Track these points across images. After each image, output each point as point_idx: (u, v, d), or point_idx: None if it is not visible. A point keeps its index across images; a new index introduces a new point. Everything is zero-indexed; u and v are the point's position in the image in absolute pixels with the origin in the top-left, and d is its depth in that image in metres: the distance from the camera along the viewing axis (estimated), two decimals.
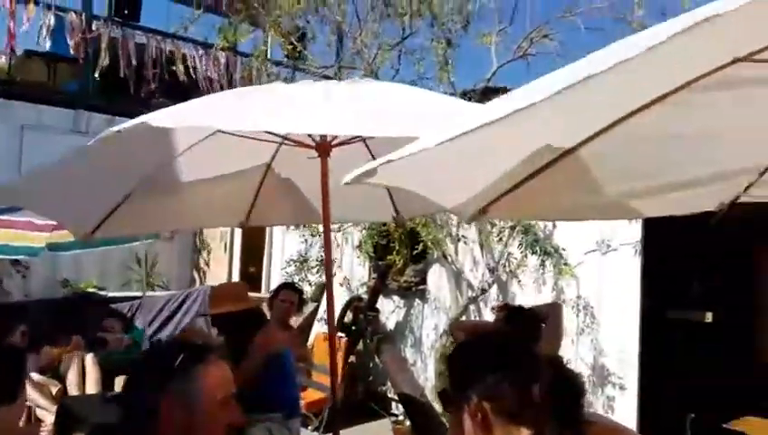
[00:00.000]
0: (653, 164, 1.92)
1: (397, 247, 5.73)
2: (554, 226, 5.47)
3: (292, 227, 7.21)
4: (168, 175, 2.99)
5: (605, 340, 5.14)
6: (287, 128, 2.25)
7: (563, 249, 5.20)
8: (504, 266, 5.48)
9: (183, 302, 6.87)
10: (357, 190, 3.16)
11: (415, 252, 5.74)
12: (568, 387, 2.01)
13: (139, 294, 7.38)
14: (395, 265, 6.07)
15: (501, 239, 5.38)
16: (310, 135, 2.75)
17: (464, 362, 1.49)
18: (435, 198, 1.59)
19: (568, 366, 2.42)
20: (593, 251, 5.21)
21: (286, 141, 2.98)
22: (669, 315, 6.20)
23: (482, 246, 5.80)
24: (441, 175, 1.44)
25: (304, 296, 5.63)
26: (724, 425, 5.15)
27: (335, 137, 2.73)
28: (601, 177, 1.91)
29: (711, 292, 6.15)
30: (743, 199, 2.31)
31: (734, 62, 1.61)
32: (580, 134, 1.68)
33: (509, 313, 3.34)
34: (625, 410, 4.98)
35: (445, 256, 6.10)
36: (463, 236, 5.92)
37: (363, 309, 6.99)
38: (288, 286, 5.02)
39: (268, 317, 4.30)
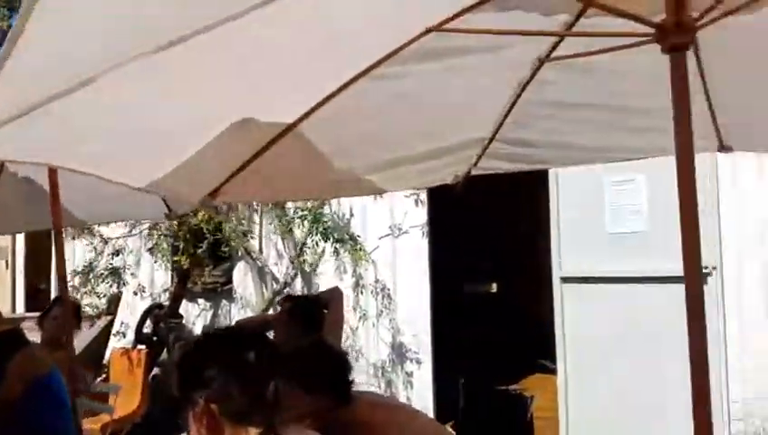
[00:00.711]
0: (376, 139, 1.94)
1: (182, 247, 5.44)
2: (352, 214, 5.56)
3: (78, 235, 6.54)
4: None
5: (402, 319, 5.34)
6: None
7: (358, 236, 5.29)
8: (299, 257, 5.45)
9: None
10: (116, 188, 2.90)
11: (200, 250, 5.49)
12: (333, 366, 2.01)
13: None
14: (183, 266, 5.75)
15: (290, 230, 5.34)
16: None
17: (190, 364, 1.40)
18: (111, 176, 1.44)
19: (333, 346, 2.43)
20: (387, 235, 5.37)
21: None
22: (465, 290, 6.63)
23: (283, 239, 5.72)
24: (114, 150, 1.30)
25: (84, 310, 5.15)
26: (514, 386, 5.63)
27: None
28: (328, 153, 1.90)
29: (496, 264, 6.67)
30: (475, 172, 2.45)
31: (427, 32, 1.65)
32: (288, 112, 1.63)
33: (292, 304, 3.32)
34: (422, 383, 5.23)
35: (248, 252, 5.92)
36: (249, 232, 5.77)
37: (164, 317, 6.57)
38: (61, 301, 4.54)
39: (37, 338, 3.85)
